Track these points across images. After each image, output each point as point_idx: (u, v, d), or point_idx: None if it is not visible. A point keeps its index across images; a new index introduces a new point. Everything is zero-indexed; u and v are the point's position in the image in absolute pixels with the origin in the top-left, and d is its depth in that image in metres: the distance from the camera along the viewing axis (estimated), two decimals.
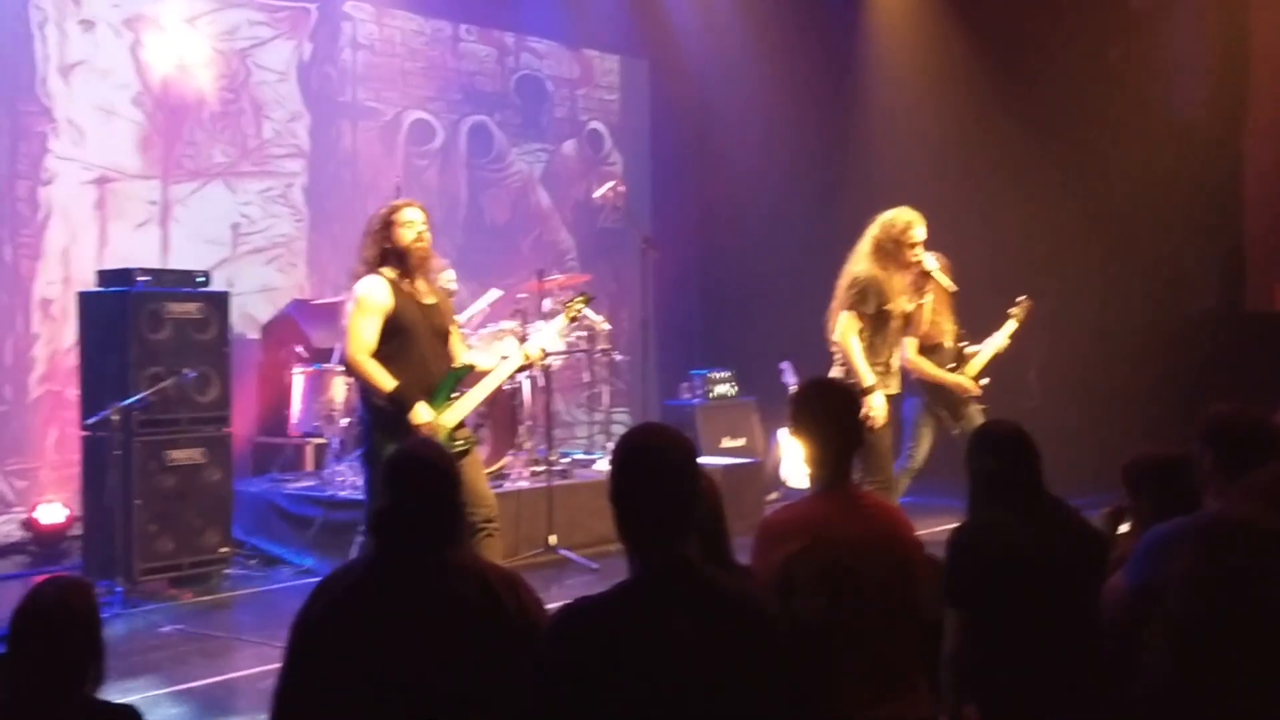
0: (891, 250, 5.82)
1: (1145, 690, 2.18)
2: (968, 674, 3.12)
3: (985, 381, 6.65)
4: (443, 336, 5.06)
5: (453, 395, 4.99)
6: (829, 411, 3.26)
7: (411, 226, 4.97)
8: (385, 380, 4.80)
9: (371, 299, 4.87)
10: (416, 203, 5.14)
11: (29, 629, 2.53)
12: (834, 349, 5.90)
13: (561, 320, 5.66)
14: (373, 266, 4.95)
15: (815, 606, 2.88)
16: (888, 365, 5.87)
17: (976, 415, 6.58)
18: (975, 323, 6.79)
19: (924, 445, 6.63)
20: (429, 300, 5.00)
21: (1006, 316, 6.84)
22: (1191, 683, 1.91)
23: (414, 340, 4.91)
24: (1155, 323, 8.76)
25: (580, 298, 5.67)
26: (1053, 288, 7.59)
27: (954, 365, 6.64)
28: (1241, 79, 9.13)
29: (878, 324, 5.82)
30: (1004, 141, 9.36)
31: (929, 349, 6.55)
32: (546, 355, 5.50)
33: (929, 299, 6.03)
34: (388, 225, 4.97)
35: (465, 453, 4.85)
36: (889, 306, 5.80)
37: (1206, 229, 9.07)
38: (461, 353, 5.16)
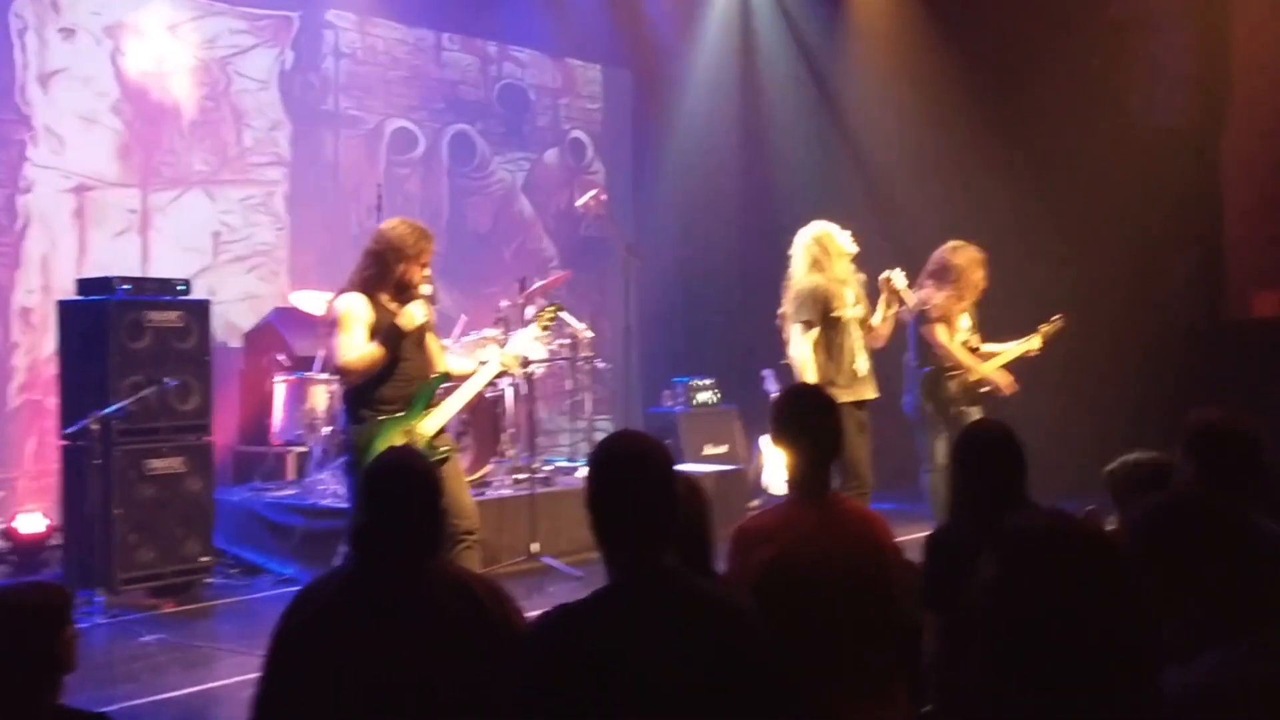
0: (822, 259, 6.00)
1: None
2: (948, 678, 3.13)
3: (986, 390, 6.68)
4: (421, 346, 5.06)
5: (431, 403, 5.00)
6: (807, 418, 3.28)
7: (428, 266, 4.99)
8: (376, 347, 4.81)
9: (354, 314, 4.88)
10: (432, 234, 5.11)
11: None
12: (790, 363, 6.05)
13: (535, 328, 5.69)
14: (368, 288, 4.92)
15: (789, 612, 2.89)
16: (854, 371, 5.93)
17: (974, 414, 6.58)
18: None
19: (941, 442, 6.58)
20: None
21: (1034, 330, 6.83)
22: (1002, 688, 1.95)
23: (394, 352, 4.91)
24: (1134, 330, 8.81)
25: (552, 306, 5.71)
26: (1031, 297, 7.63)
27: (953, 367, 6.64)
28: (1221, 88, 9.20)
29: (831, 331, 5.91)
30: (984, 150, 9.40)
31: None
32: (529, 363, 5.53)
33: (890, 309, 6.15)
34: (412, 260, 4.93)
35: (445, 460, 4.86)
36: (836, 313, 5.89)
37: (1186, 237, 9.12)
38: (439, 360, 5.17)
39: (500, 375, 5.61)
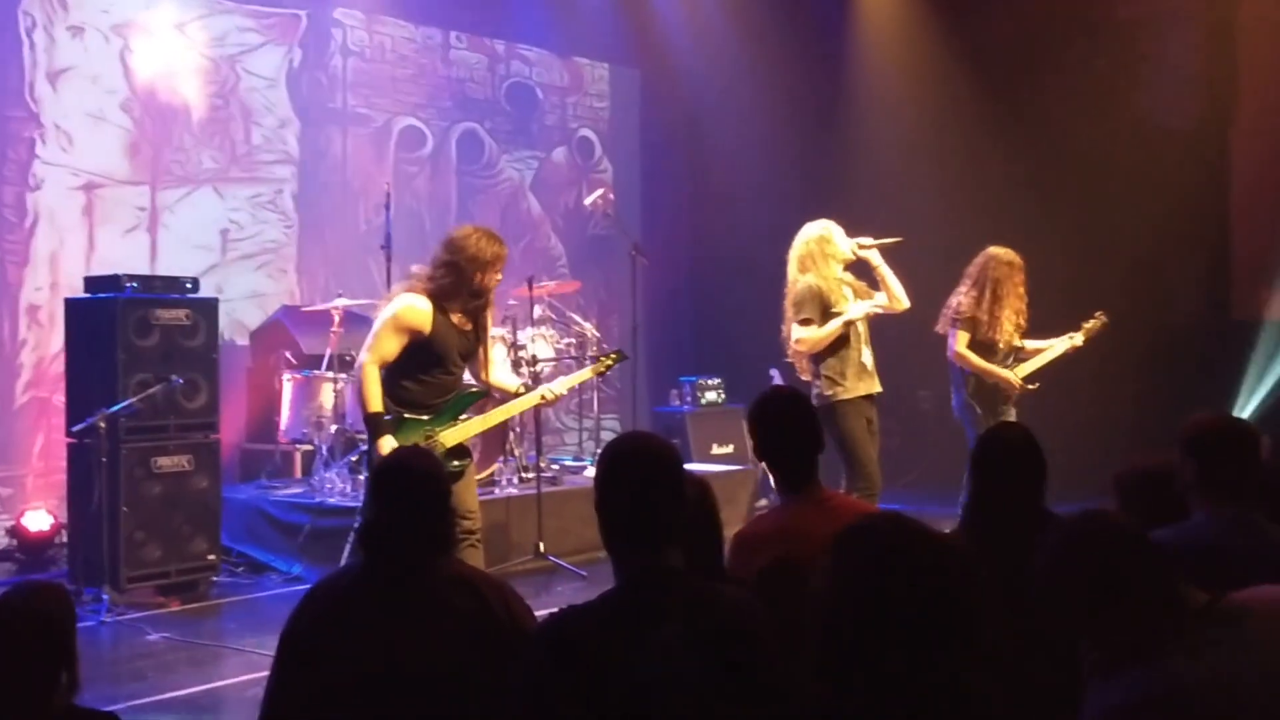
0: (820, 260, 5.99)
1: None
2: None
3: (1035, 386, 6.66)
4: (471, 359, 5.04)
5: (460, 416, 4.98)
6: (782, 418, 3.28)
7: (501, 271, 4.97)
8: (374, 400, 4.79)
9: (411, 319, 4.82)
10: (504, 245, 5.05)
11: None
12: (794, 362, 6.08)
13: (587, 372, 5.67)
14: (441, 297, 4.85)
15: (793, 616, 2.88)
16: (862, 365, 5.94)
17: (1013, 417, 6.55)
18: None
19: None
20: (466, 327, 4.97)
21: (1077, 326, 6.79)
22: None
23: (439, 364, 4.91)
24: (1142, 330, 8.79)
25: (614, 354, 5.64)
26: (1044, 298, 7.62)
27: (1005, 364, 6.62)
28: (1229, 88, 9.18)
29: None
30: (993, 150, 9.39)
31: (982, 346, 6.56)
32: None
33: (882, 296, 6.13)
34: (489, 268, 4.88)
35: (459, 475, 4.82)
36: (836, 309, 5.90)
37: (1193, 236, 9.10)
38: (488, 370, 5.11)
39: (537, 406, 5.55)
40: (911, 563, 1.94)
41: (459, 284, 4.85)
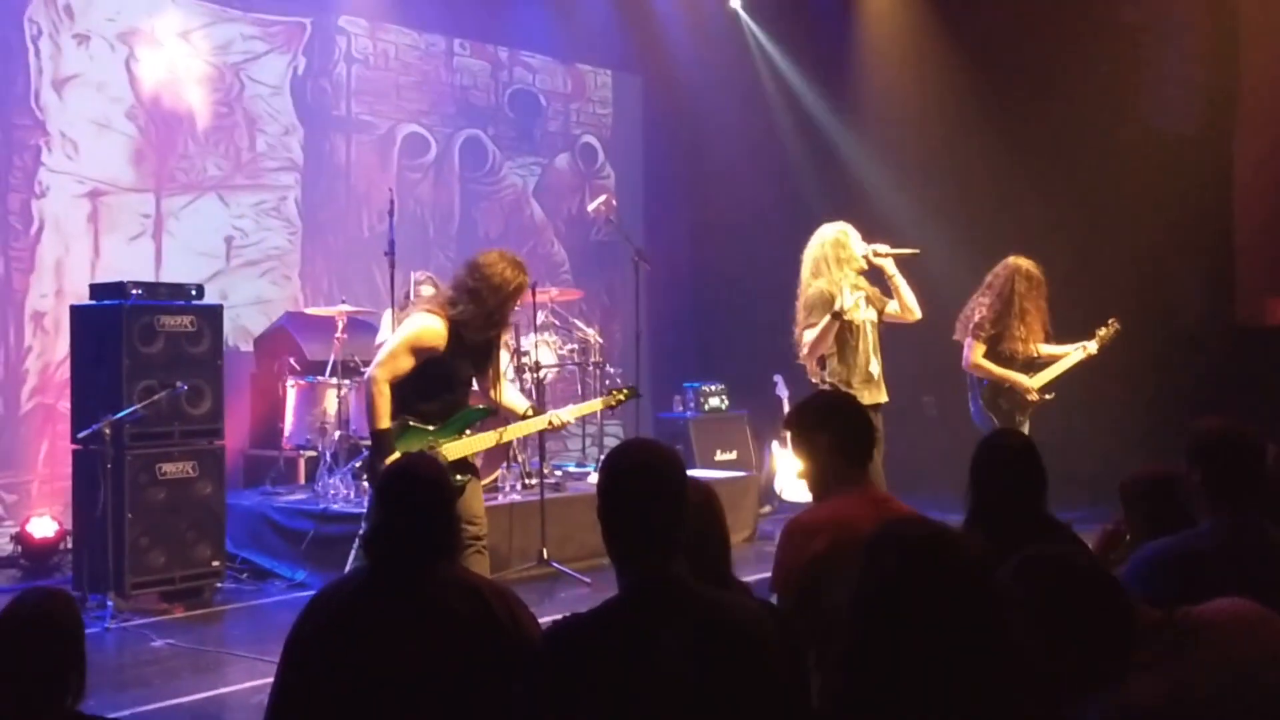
0: (833, 263, 5.97)
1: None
2: None
3: (1050, 396, 6.64)
4: (481, 376, 5.08)
5: (466, 431, 4.99)
6: (840, 414, 3.27)
7: (521, 300, 5.06)
8: (382, 417, 4.82)
9: (426, 340, 4.85)
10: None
11: (7, 639, 2.51)
12: (805, 365, 6.03)
13: (597, 403, 5.68)
14: (458, 322, 4.86)
15: (842, 606, 2.88)
16: (869, 374, 5.93)
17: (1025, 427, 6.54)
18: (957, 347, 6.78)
19: None
20: (479, 349, 5.00)
21: (1085, 333, 6.79)
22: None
23: (449, 384, 4.95)
24: (1146, 337, 8.78)
25: (627, 389, 5.65)
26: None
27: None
28: (1231, 93, 9.17)
29: (843, 334, 5.91)
30: (995, 155, 9.38)
31: (1000, 357, 6.55)
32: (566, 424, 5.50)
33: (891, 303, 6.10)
34: (510, 298, 4.92)
35: (461, 491, 4.81)
36: (846, 317, 5.88)
37: (1196, 243, 9.09)
38: (497, 388, 5.12)
39: (543, 431, 5.56)
40: (939, 565, 1.99)
41: (479, 311, 4.86)
